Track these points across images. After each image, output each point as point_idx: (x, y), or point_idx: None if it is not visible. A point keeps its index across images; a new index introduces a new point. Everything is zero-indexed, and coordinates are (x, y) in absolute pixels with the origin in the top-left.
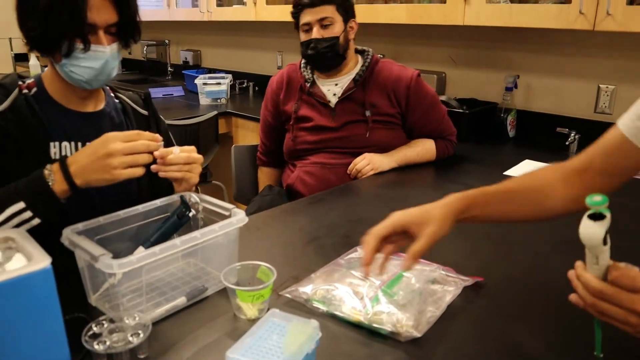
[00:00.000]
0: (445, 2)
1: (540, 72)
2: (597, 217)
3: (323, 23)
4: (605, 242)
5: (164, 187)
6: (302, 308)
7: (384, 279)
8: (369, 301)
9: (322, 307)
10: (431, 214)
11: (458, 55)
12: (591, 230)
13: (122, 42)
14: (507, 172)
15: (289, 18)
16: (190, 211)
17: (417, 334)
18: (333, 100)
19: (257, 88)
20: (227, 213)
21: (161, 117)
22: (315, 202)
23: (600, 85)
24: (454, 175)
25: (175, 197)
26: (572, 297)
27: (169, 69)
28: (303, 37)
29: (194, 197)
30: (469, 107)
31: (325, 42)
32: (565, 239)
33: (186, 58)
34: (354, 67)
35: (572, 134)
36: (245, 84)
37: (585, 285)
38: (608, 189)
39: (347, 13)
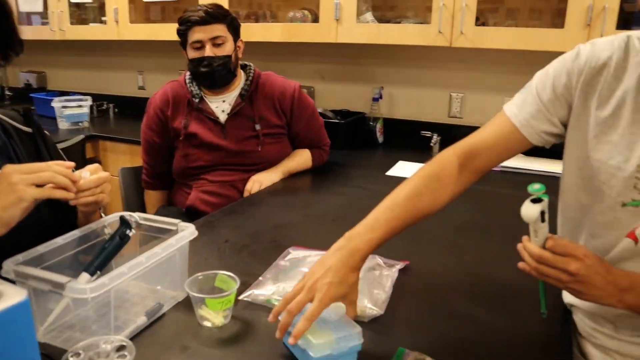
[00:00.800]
0: (318, 22)
1: (401, 84)
2: (536, 200)
3: (216, 42)
4: (543, 220)
5: (66, 209)
6: (263, 309)
7: None
8: None
9: None
10: (352, 285)
11: (328, 70)
12: (528, 210)
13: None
14: (388, 173)
15: (153, 37)
16: (131, 230)
17: (380, 311)
18: (222, 117)
19: (116, 110)
20: (174, 228)
21: (47, 132)
22: (230, 214)
23: (451, 94)
24: (345, 180)
25: (110, 218)
26: (520, 264)
27: (7, 92)
28: (193, 54)
29: (134, 216)
30: (342, 118)
31: (219, 60)
32: (461, 223)
33: (28, 80)
34: (239, 82)
35: (434, 136)
36: (105, 105)
37: (529, 253)
38: (479, 179)
39: (236, 32)
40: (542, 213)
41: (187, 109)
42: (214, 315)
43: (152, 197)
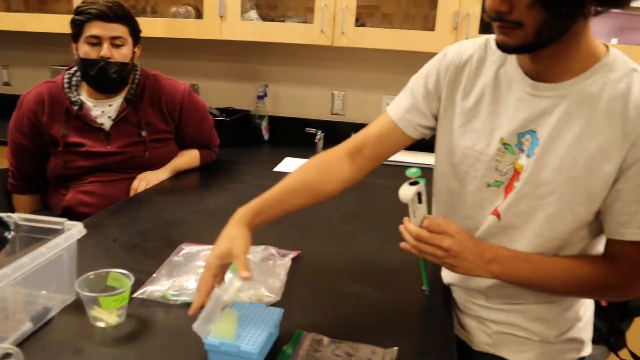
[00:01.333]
0: (202, 18)
1: (285, 82)
2: (414, 183)
3: (115, 42)
4: (420, 201)
5: None
6: (159, 305)
7: None
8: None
9: (179, 299)
10: (233, 239)
11: (212, 68)
12: (405, 191)
13: None
14: (275, 169)
15: (18, 27)
16: (10, 232)
17: (277, 297)
18: (107, 124)
19: None
20: (59, 227)
21: None
22: (117, 213)
23: (333, 92)
24: (233, 177)
25: None
26: (402, 244)
27: None
28: (87, 49)
29: (12, 217)
30: (227, 115)
31: (116, 67)
32: (345, 213)
33: None
34: (127, 86)
35: (319, 133)
36: None
37: (409, 232)
38: (372, 169)
39: (137, 37)
40: (419, 194)
41: (65, 117)
42: (107, 315)
43: (23, 201)
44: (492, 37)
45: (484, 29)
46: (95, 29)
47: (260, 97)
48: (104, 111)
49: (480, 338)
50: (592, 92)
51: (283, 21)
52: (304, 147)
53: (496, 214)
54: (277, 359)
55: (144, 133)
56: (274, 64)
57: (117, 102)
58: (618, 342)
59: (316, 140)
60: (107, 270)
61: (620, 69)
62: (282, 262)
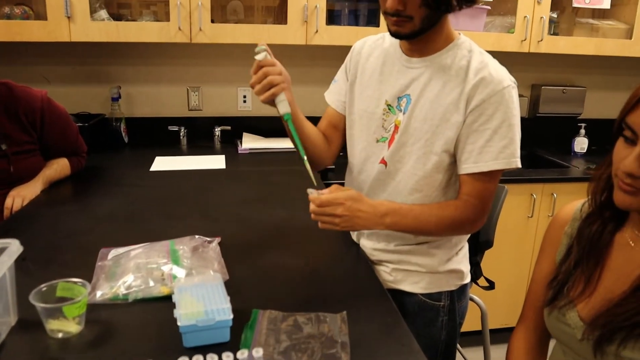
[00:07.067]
0: (45, 19)
1: (138, 82)
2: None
3: None
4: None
5: None
6: (113, 307)
7: (165, 260)
8: (170, 277)
9: (132, 297)
10: None
11: (59, 73)
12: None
13: None
14: (152, 169)
15: None
16: None
17: (226, 277)
18: None
19: None
20: None
21: None
22: (6, 234)
23: (188, 88)
24: (114, 180)
25: None
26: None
27: None
28: None
29: None
30: (82, 121)
31: None
32: (243, 199)
33: None
34: None
35: (182, 129)
36: None
37: (313, 203)
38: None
39: None
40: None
41: None
42: (67, 324)
43: None
44: (387, 34)
45: (330, 20)
46: None
47: (114, 100)
48: None
49: (383, 277)
50: (446, 63)
51: (135, 20)
52: (169, 145)
53: (383, 162)
54: (240, 340)
55: (4, 146)
56: (125, 65)
57: None
58: (476, 272)
59: (181, 137)
60: (52, 283)
61: (465, 49)
62: (212, 247)
